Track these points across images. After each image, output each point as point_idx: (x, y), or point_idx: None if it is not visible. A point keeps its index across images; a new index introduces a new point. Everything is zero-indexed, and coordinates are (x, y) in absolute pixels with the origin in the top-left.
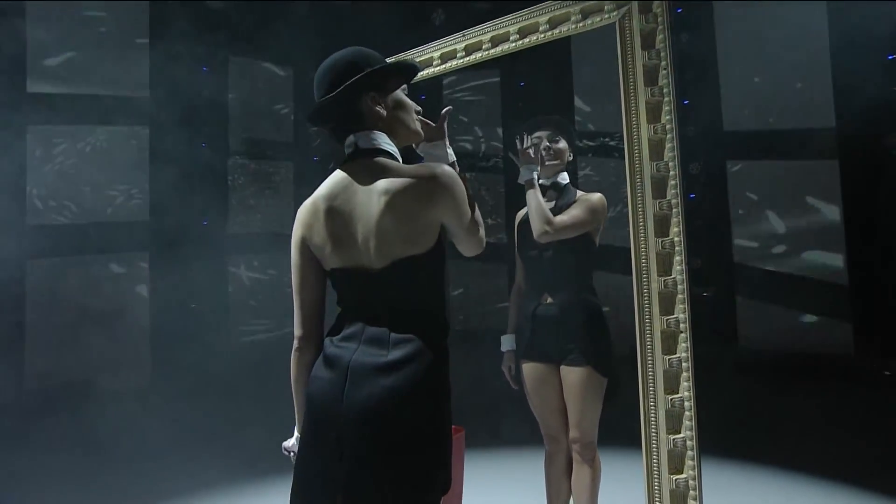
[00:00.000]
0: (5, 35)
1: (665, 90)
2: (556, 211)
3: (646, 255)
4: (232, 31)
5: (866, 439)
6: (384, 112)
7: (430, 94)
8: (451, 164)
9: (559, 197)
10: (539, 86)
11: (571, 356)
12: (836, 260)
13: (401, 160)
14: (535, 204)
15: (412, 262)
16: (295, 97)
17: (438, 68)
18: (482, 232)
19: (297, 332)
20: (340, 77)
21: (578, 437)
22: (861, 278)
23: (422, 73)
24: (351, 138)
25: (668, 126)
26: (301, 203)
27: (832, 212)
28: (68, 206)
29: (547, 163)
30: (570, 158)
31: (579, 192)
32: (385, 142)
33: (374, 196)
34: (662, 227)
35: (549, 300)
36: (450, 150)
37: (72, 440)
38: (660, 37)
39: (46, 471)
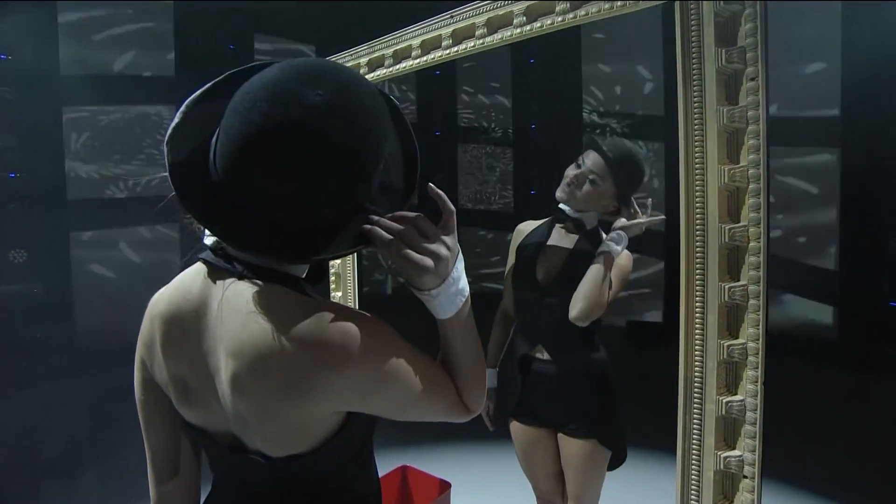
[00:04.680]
0: (39, 20)
1: (750, 53)
2: (576, 256)
3: (702, 322)
4: (257, 8)
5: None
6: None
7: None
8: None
9: (580, 240)
10: (549, 56)
11: (572, 426)
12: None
13: (302, 279)
14: (596, 278)
15: (296, 461)
16: None
17: (419, 60)
18: (470, 396)
19: (152, 493)
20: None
21: None
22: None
23: (400, 66)
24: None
25: (751, 111)
26: None
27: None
28: (103, 181)
29: (578, 194)
30: (614, 209)
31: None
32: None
33: (222, 355)
34: (731, 267)
35: (546, 356)
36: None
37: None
38: None
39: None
